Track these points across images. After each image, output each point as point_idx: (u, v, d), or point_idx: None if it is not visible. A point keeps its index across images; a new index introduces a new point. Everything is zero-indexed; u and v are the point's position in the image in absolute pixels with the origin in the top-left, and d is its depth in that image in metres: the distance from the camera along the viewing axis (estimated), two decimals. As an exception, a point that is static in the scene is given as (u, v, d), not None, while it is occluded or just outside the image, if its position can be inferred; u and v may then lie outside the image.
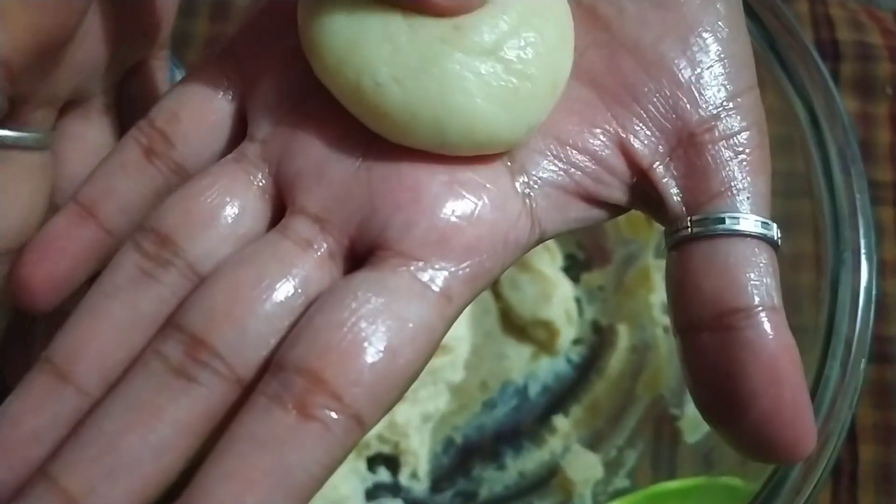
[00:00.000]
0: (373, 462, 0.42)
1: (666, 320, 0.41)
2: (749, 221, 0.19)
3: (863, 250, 0.31)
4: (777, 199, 0.38)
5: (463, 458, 0.42)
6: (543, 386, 0.43)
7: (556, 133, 0.20)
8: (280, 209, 0.19)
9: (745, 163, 0.20)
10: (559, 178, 0.20)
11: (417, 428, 0.42)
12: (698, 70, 0.20)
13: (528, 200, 0.20)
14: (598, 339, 0.43)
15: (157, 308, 0.18)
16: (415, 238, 0.18)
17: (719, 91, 0.20)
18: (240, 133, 0.21)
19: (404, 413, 0.42)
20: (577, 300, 0.44)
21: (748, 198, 0.20)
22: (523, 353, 0.43)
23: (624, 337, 0.42)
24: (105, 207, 0.21)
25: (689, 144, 0.20)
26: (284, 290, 0.18)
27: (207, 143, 0.21)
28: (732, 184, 0.20)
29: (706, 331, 0.19)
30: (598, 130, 0.20)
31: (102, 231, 0.21)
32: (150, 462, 0.17)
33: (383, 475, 0.42)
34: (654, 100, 0.20)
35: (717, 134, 0.20)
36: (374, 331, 0.17)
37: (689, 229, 0.20)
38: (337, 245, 0.19)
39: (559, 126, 0.20)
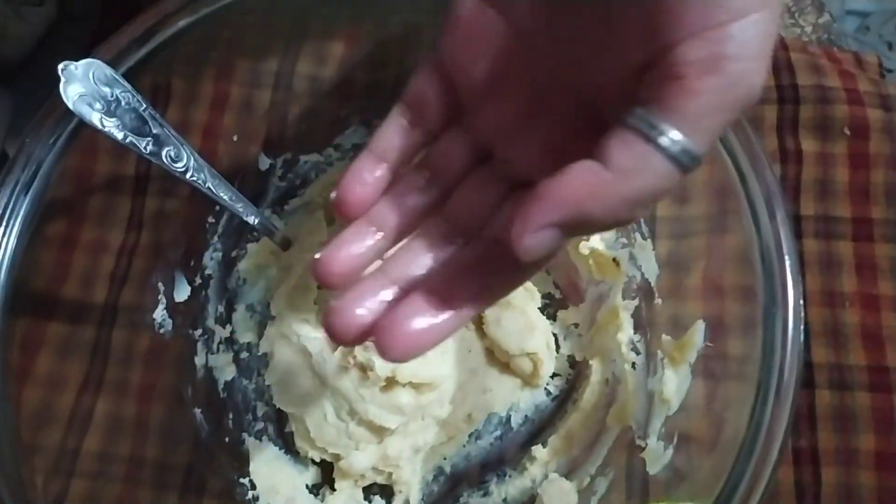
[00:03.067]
0: (368, 491, 0.45)
1: (633, 357, 0.44)
2: (659, 131, 0.22)
3: (790, 285, 0.33)
4: (709, 235, 0.41)
5: (451, 485, 0.46)
6: (525, 417, 0.46)
7: None
8: None
9: (688, 88, 0.22)
10: None
11: (409, 459, 0.45)
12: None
13: None
14: (574, 373, 0.47)
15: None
16: None
17: (693, 21, 0.22)
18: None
19: (396, 446, 0.45)
20: (555, 336, 0.47)
21: (674, 117, 0.22)
22: (505, 386, 0.47)
23: (597, 371, 0.45)
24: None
25: (658, 60, 0.23)
26: None
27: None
28: (667, 100, 0.22)
29: None
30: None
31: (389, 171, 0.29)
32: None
33: (378, 503, 0.45)
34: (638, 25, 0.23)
35: (676, 57, 0.22)
36: None
37: (626, 115, 0.23)
38: None
39: None
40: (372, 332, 0.26)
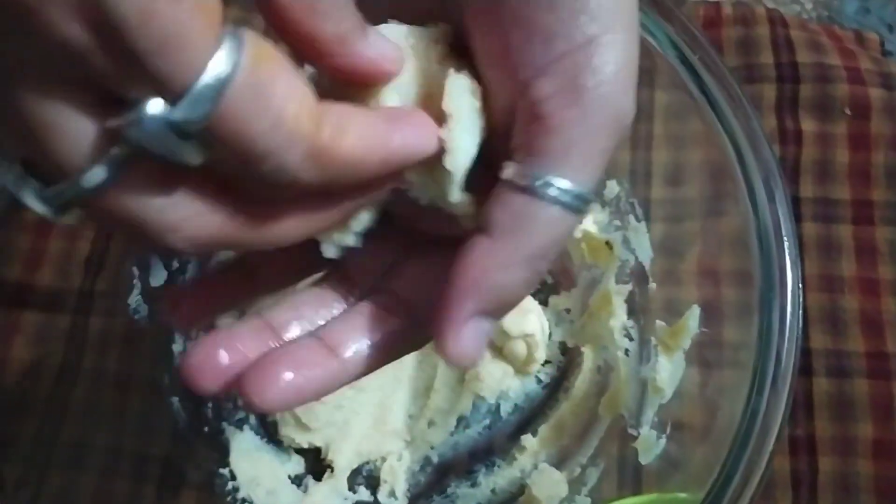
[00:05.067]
0: (353, 482, 0.44)
1: (626, 343, 0.42)
2: (539, 181, 0.21)
3: (788, 269, 0.32)
4: (704, 219, 0.40)
5: (439, 475, 0.44)
6: (514, 405, 0.45)
7: None
8: None
9: (545, 127, 0.21)
10: None
11: (397, 448, 0.44)
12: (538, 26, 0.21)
13: None
14: (566, 360, 0.45)
15: None
16: None
17: (531, 62, 0.21)
18: None
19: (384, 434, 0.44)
20: (547, 322, 0.46)
21: (546, 161, 0.21)
22: (496, 373, 0.45)
23: (588, 358, 0.44)
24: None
25: (515, 108, 0.21)
26: None
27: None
28: (535, 147, 0.21)
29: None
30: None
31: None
32: None
33: (363, 494, 0.44)
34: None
35: (526, 99, 0.21)
36: None
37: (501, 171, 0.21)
38: None
39: None
40: (237, 382, 0.22)
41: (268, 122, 0.17)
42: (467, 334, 0.21)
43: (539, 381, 0.45)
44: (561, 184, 0.20)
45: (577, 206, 0.21)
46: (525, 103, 0.21)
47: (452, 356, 0.21)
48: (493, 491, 0.43)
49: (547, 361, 0.45)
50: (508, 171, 0.21)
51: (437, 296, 0.22)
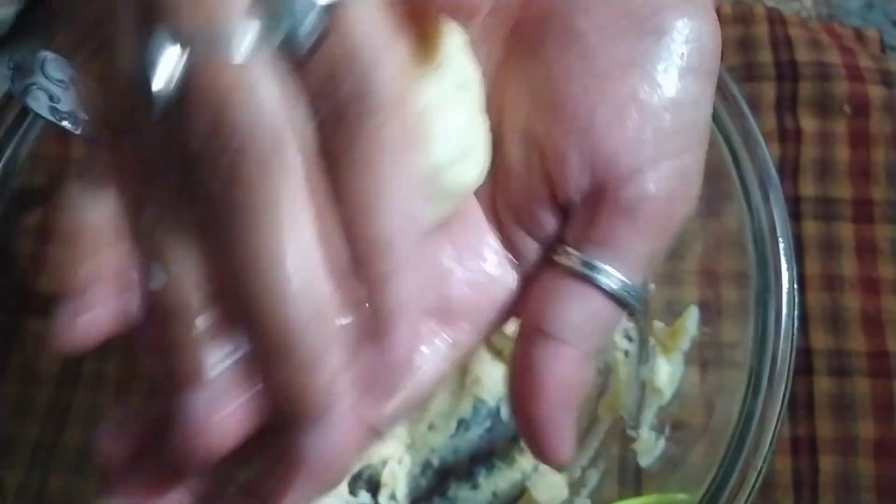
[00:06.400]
0: (354, 485, 0.44)
1: (625, 345, 0.42)
2: (603, 273, 0.20)
3: (783, 270, 0.32)
4: (703, 218, 0.40)
5: (439, 478, 0.44)
6: (515, 408, 0.45)
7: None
8: None
9: (634, 226, 0.20)
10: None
11: (397, 451, 0.44)
12: (622, 135, 0.20)
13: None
14: (565, 362, 0.45)
15: None
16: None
17: (634, 158, 0.20)
18: None
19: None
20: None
21: (617, 256, 0.20)
22: (496, 376, 0.45)
23: (588, 359, 0.44)
24: None
25: (597, 196, 0.21)
26: None
27: None
28: (610, 239, 0.20)
29: (521, 337, 0.22)
30: (535, 188, 0.22)
31: None
32: None
33: (364, 498, 0.44)
34: (577, 160, 0.21)
35: (620, 194, 0.21)
36: None
37: (556, 254, 0.21)
38: None
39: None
40: None
41: None
42: (570, 437, 0.22)
43: (539, 382, 0.45)
44: (630, 284, 0.20)
45: (635, 305, 0.21)
46: (620, 193, 0.20)
47: (566, 460, 0.22)
48: (493, 493, 0.43)
49: (546, 363, 0.45)
50: (576, 261, 0.21)
51: None
